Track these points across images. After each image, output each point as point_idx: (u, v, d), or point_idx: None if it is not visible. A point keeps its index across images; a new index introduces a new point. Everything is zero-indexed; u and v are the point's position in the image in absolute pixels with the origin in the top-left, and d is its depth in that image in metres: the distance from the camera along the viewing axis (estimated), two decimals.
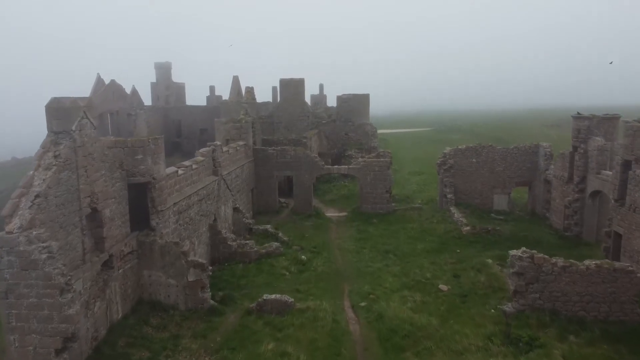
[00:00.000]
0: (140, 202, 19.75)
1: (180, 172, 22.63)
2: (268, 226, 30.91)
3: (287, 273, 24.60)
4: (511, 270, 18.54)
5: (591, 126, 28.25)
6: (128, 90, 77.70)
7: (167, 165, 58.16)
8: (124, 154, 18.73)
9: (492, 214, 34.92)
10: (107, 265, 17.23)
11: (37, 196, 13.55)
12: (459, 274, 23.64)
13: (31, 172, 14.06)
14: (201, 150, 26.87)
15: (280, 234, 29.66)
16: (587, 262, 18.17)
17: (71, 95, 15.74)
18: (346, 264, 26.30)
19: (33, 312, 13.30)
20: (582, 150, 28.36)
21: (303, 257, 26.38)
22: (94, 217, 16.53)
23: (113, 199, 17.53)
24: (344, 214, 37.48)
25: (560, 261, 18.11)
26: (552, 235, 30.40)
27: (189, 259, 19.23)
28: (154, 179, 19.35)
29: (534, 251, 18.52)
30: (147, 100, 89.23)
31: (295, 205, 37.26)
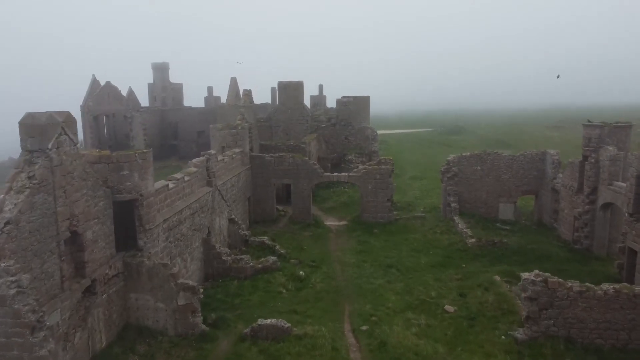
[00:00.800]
0: (127, 219, 18.54)
1: (170, 185, 21.38)
2: (265, 238, 29.69)
3: (284, 291, 23.37)
4: (523, 295, 17.33)
5: (602, 135, 27.01)
6: (125, 91, 76.38)
7: (163, 168, 56.53)
8: (109, 170, 17.49)
9: (498, 224, 33.71)
10: (89, 290, 16.01)
11: (7, 223, 12.31)
12: (465, 292, 22.44)
13: (1, 196, 12.83)
14: (194, 161, 25.61)
15: (277, 247, 28.44)
16: (604, 286, 16.97)
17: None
18: (346, 279, 25.06)
19: (1, 352, 12.07)
20: (593, 160, 27.12)
21: (301, 272, 25.16)
22: (75, 241, 15.31)
23: (96, 220, 16.30)
24: (344, 223, 36.24)
25: (576, 285, 16.91)
26: (560, 247, 29.17)
27: (179, 281, 18.00)
28: (141, 195, 18.11)
29: (547, 274, 17.31)
30: (144, 101, 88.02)
31: (294, 213, 36.03)
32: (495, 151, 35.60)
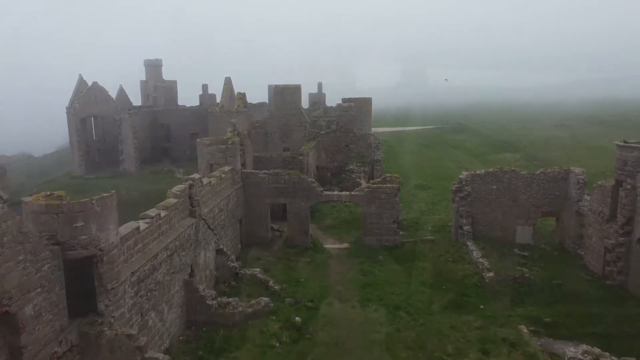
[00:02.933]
0: (86, 274, 15.30)
1: (142, 226, 18.08)
2: (257, 270, 26.45)
3: (278, 344, 20.18)
4: None
5: None
6: (116, 89, 72.77)
7: (155, 173, 52.44)
8: (59, 222, 14.19)
9: (515, 249, 30.46)
10: None
11: None
12: (488, 349, 19.32)
13: None
14: (174, 190, 22.25)
15: (270, 283, 25.26)
16: None
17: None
18: (349, 326, 21.86)
19: None
20: (629, 186, 23.87)
21: (297, 318, 21.96)
22: (7, 322, 12.09)
23: (39, 289, 13.04)
24: (345, 245, 33.06)
25: None
26: (589, 282, 25.99)
27: (147, 355, 14.81)
28: (100, 250, 14.84)
29: (597, 350, 14.14)
30: (136, 99, 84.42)
31: (290, 236, 32.78)
32: (512, 169, 32.26)
